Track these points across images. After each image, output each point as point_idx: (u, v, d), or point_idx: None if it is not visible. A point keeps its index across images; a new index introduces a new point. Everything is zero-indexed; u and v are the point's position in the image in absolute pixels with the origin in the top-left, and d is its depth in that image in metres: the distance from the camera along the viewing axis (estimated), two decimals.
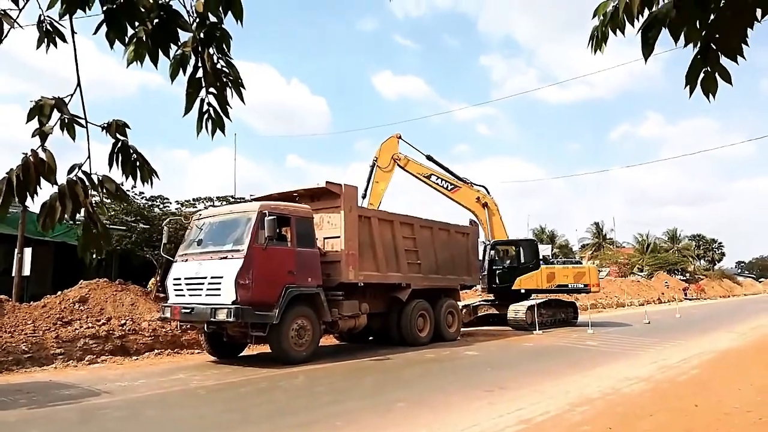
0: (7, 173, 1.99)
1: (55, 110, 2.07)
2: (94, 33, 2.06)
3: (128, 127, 2.18)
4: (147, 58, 2.07)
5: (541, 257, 18.24)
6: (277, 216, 9.79)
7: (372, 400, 7.08)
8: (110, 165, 2.17)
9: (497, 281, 17.63)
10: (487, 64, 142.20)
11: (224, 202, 15.96)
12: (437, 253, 13.83)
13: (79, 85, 2.09)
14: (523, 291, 17.35)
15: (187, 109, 2.13)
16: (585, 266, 20.21)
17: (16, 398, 7.04)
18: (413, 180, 17.86)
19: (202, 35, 2.06)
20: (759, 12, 2.00)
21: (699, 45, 2.06)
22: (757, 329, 16.84)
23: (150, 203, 15.50)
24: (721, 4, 2.00)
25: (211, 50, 2.08)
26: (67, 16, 2.04)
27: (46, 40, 2.13)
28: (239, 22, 2.07)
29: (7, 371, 9.10)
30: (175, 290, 10.18)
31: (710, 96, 2.13)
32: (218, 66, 2.12)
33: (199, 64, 2.10)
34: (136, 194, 14.82)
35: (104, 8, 2.01)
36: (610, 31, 2.23)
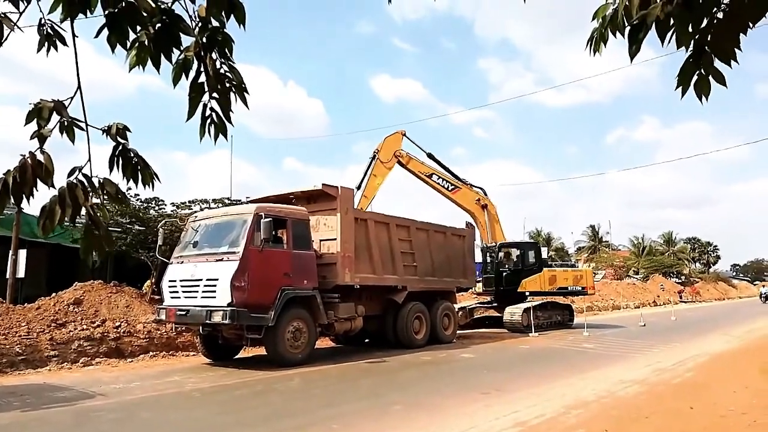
0: (3, 174, 1.98)
1: (55, 113, 2.07)
2: (95, 36, 2.04)
3: (129, 131, 2.18)
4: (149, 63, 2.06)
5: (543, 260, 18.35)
6: (273, 218, 9.77)
7: (368, 402, 7.09)
8: (110, 168, 2.16)
9: (504, 283, 17.63)
10: (485, 67, 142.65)
11: (220, 205, 15.92)
12: (433, 256, 13.85)
13: (79, 87, 2.08)
14: (527, 293, 17.39)
15: (190, 114, 2.13)
16: (581, 269, 20.33)
17: (9, 401, 7.01)
18: (412, 181, 17.78)
19: (204, 39, 2.06)
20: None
21: (692, 48, 2.07)
22: (751, 332, 16.91)
23: (145, 205, 15.45)
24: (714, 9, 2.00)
25: (213, 55, 2.08)
26: (68, 20, 2.03)
27: (46, 43, 2.13)
28: (242, 26, 2.08)
29: (0, 373, 9.04)
30: (171, 292, 10.15)
31: (703, 98, 2.12)
32: (221, 71, 2.12)
33: (202, 69, 2.10)
34: (131, 196, 14.78)
35: (106, 12, 2.00)
36: (609, 34, 2.25)
